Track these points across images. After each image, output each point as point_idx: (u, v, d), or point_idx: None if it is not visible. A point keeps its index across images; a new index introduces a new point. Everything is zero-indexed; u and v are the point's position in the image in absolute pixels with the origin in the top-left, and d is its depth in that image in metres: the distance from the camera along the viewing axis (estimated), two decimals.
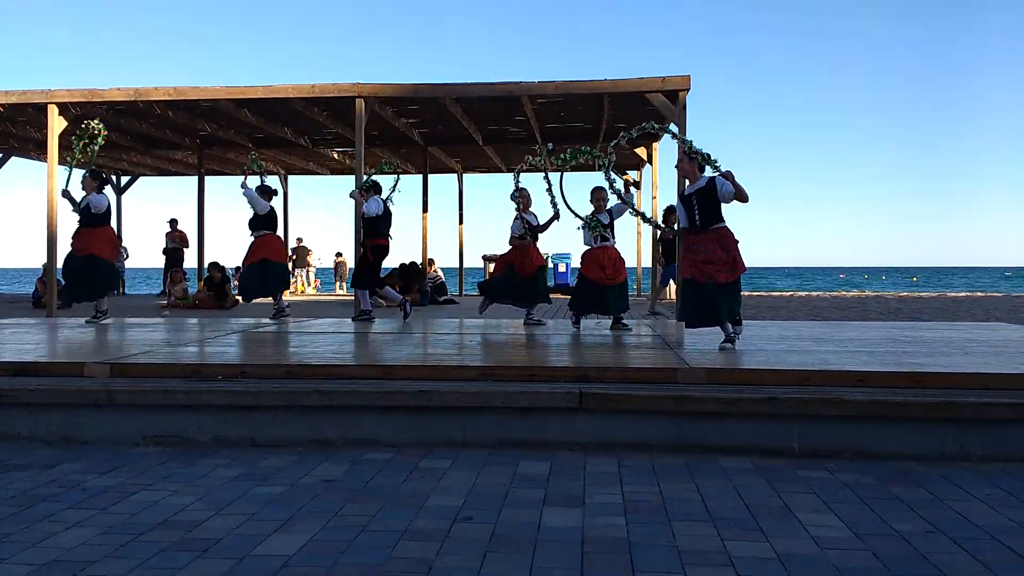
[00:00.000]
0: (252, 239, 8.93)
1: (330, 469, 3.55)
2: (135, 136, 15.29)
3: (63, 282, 8.50)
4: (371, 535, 2.69)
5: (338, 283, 23.50)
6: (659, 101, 10.28)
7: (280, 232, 10.02)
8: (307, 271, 21.20)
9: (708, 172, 5.55)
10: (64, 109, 11.44)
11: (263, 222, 8.94)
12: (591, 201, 7.21)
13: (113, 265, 8.37)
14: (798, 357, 4.97)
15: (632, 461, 3.67)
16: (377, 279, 9.09)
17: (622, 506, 3.00)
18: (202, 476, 3.45)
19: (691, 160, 5.57)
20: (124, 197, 20.19)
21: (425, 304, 14.22)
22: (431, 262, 16.85)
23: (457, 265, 20.31)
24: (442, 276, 16.51)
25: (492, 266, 15.43)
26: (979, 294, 24.90)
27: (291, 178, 20.49)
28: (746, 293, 24.58)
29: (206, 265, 15.45)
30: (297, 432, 4.05)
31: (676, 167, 5.69)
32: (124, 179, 20.25)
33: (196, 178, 17.43)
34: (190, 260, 17.27)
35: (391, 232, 8.83)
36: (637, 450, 3.85)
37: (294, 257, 20.83)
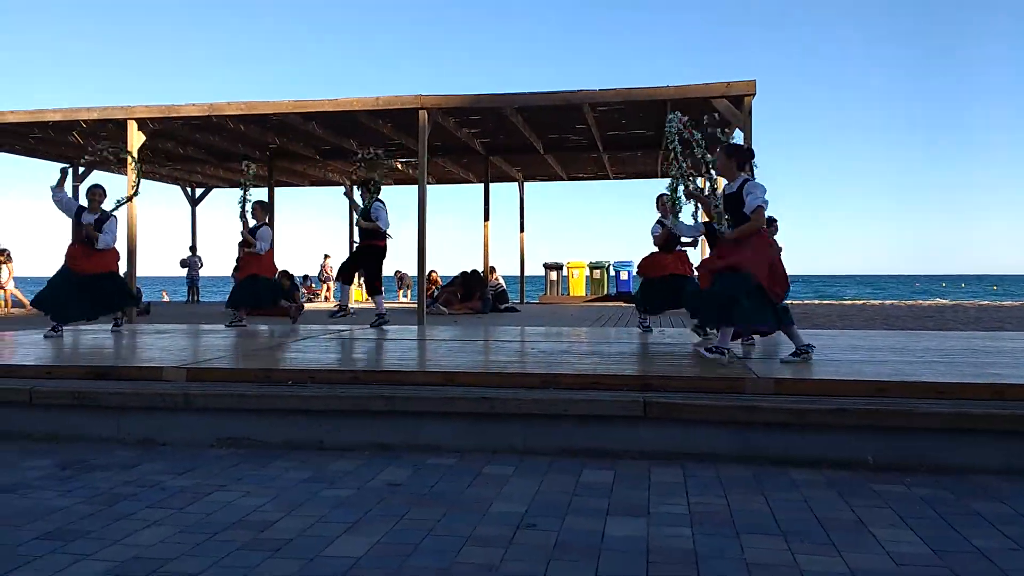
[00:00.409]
0: (243, 254, 9.11)
1: (395, 473, 3.60)
2: (208, 149, 15.85)
3: (47, 298, 7.38)
4: (436, 539, 2.72)
5: (400, 292, 23.95)
6: (723, 106, 10.14)
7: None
8: None
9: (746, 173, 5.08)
10: (143, 124, 11.94)
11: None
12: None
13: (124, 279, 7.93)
14: (872, 367, 4.81)
15: (698, 471, 3.61)
16: (352, 276, 9.20)
17: (688, 517, 2.96)
18: (273, 478, 3.54)
19: (728, 157, 5.09)
20: (198, 208, 20.97)
21: (486, 312, 14.30)
22: (492, 270, 16.96)
23: (519, 273, 20.39)
24: (503, 284, 16.59)
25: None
26: None
27: (355, 188, 20.90)
28: (815, 302, 23.93)
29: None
30: (363, 436, 4.11)
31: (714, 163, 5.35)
32: (198, 191, 21.03)
33: (266, 189, 17.96)
34: None
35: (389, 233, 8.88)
36: (703, 460, 3.79)
37: None
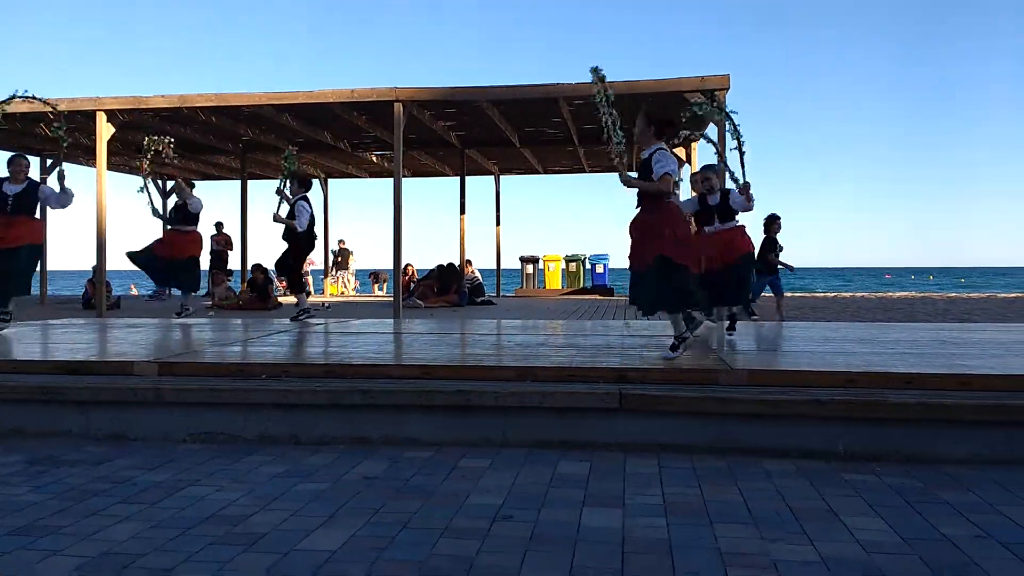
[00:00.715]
0: (182, 231, 8.98)
1: (371, 467, 3.59)
2: (179, 142, 15.60)
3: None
4: (412, 532, 2.71)
5: (376, 286, 23.88)
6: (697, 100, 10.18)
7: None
8: (347, 273, 21.49)
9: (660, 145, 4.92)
10: (112, 116, 11.75)
11: (194, 218, 9.18)
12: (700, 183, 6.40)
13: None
14: (843, 358, 4.88)
15: (673, 462, 3.64)
16: (298, 280, 9.07)
17: (663, 507, 2.98)
18: (247, 472, 3.51)
19: (648, 124, 4.95)
20: (169, 201, 20.69)
21: (463, 305, 14.29)
22: (468, 263, 16.93)
23: (495, 266, 20.38)
24: (480, 277, 16.58)
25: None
26: None
27: (330, 181, 20.76)
28: (787, 294, 24.13)
29: (249, 267, 15.74)
30: (338, 430, 4.09)
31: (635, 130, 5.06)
32: (169, 183, 20.72)
33: (239, 182, 17.77)
34: (234, 262, 17.61)
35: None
36: (678, 451, 3.82)
37: (338, 259, 21.21)
